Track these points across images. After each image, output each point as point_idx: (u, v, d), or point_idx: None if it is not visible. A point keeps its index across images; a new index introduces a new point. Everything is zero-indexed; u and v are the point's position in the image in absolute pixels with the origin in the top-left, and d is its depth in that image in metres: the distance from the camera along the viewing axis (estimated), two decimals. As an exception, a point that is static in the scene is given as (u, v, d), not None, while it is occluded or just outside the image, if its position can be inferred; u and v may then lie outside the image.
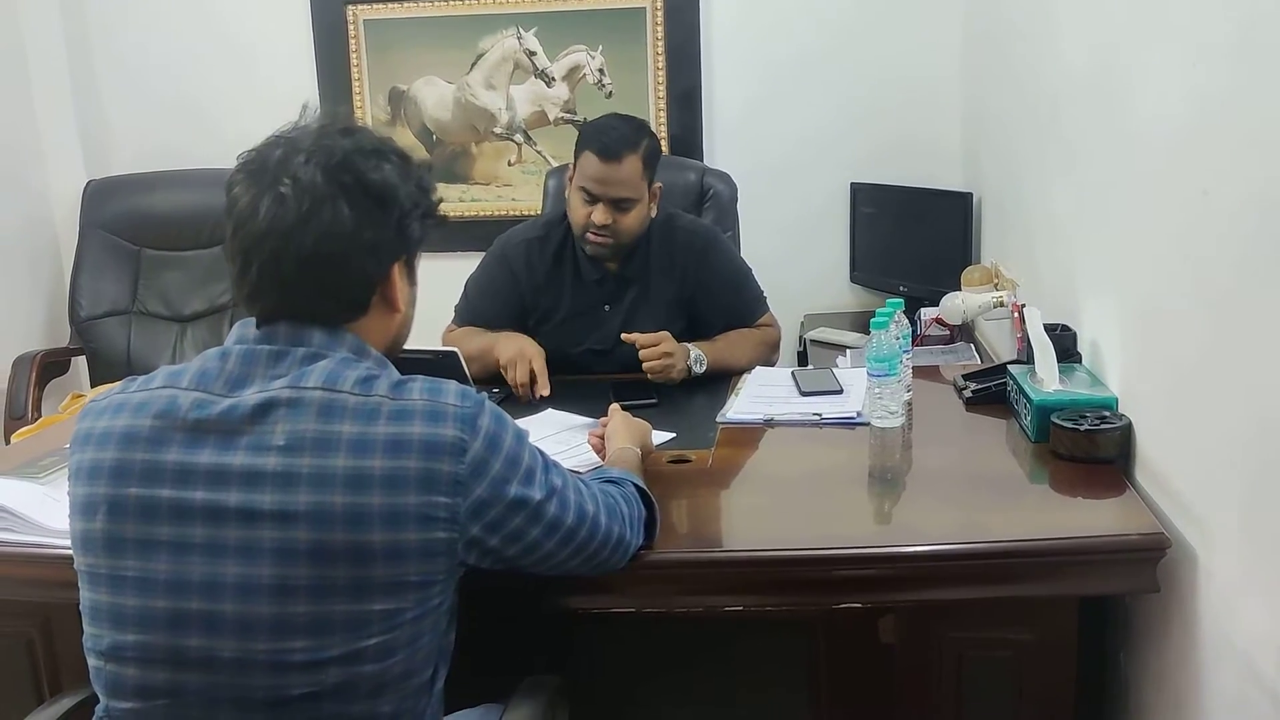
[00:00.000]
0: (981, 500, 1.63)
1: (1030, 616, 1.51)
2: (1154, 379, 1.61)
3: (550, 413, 2.06)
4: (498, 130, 3.55)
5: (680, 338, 2.26)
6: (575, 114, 3.50)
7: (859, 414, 1.95)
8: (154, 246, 3.42)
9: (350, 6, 3.49)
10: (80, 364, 3.48)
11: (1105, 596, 1.68)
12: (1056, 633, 1.51)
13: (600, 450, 1.71)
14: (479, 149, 3.59)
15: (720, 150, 3.47)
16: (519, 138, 3.56)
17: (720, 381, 2.23)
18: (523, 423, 1.34)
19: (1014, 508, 1.61)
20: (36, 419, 3.10)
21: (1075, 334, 1.97)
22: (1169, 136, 1.51)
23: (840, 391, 2.08)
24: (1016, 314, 2.13)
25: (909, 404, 1.96)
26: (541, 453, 1.29)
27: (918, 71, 3.38)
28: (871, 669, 1.56)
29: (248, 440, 1.16)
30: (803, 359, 3.17)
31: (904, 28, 3.37)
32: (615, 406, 1.78)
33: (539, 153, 3.55)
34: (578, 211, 2.28)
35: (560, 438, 1.89)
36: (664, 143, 3.27)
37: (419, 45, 3.51)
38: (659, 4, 3.40)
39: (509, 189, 3.60)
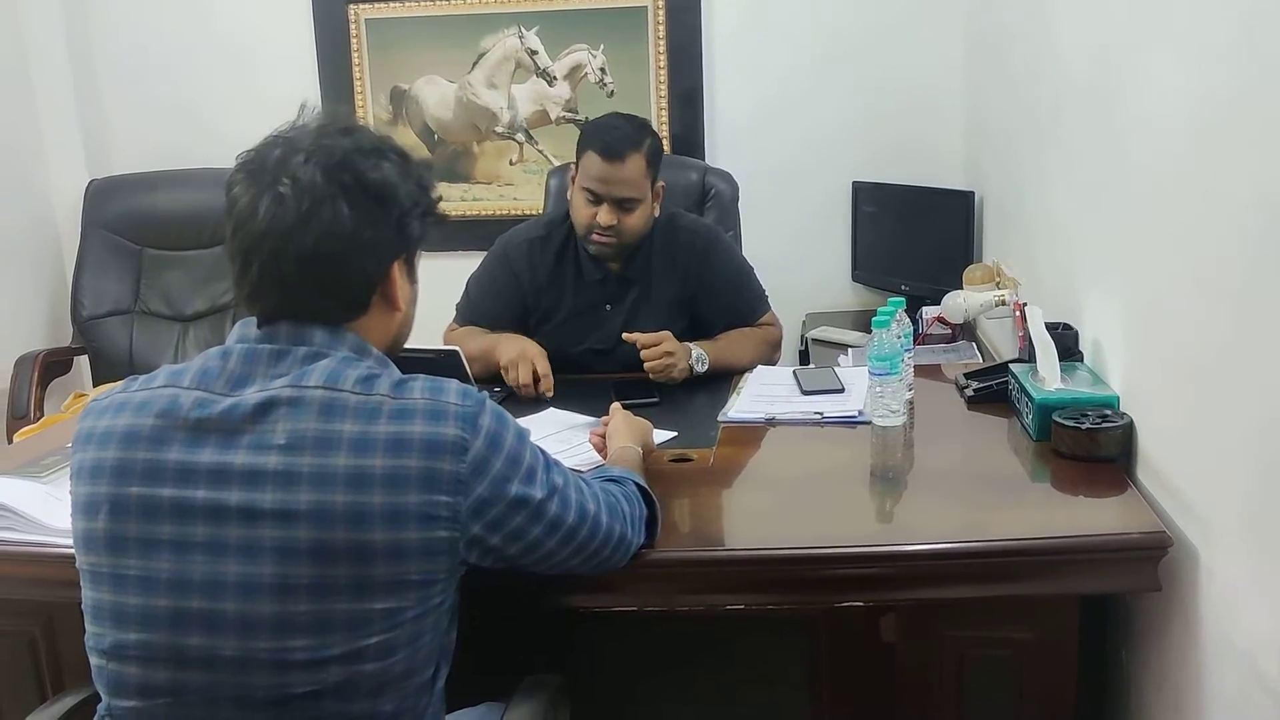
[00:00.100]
0: (983, 499, 1.63)
1: (1031, 615, 1.52)
2: (1156, 378, 1.61)
3: (551, 412, 2.06)
4: (499, 129, 3.56)
5: (682, 337, 2.26)
6: (577, 113, 3.50)
7: (860, 413, 1.95)
8: (156, 246, 3.42)
9: (352, 6, 3.49)
10: (82, 363, 3.49)
11: (1106, 595, 1.68)
12: (1057, 631, 1.51)
13: (601, 449, 1.71)
14: (480, 148, 3.59)
15: (722, 150, 3.47)
16: (520, 137, 3.56)
17: (721, 380, 2.23)
18: (524, 422, 1.34)
19: (1015, 506, 1.61)
20: (39, 418, 3.10)
21: (1077, 332, 1.97)
22: (1170, 135, 1.51)
23: (842, 390, 2.08)
24: (1018, 313, 2.13)
25: (910, 403, 1.96)
26: (543, 451, 1.29)
27: (919, 71, 3.37)
28: (872, 668, 1.56)
29: (249, 439, 1.16)
30: (804, 358, 3.17)
31: (905, 28, 3.36)
32: (616, 405, 1.78)
33: (540, 152, 3.55)
34: (581, 212, 2.28)
35: (561, 436, 1.89)
36: (665, 142, 3.28)
37: (420, 44, 3.52)
38: (660, 3, 3.39)
39: (510, 188, 3.60)
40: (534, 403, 2.13)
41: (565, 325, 2.37)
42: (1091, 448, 1.68)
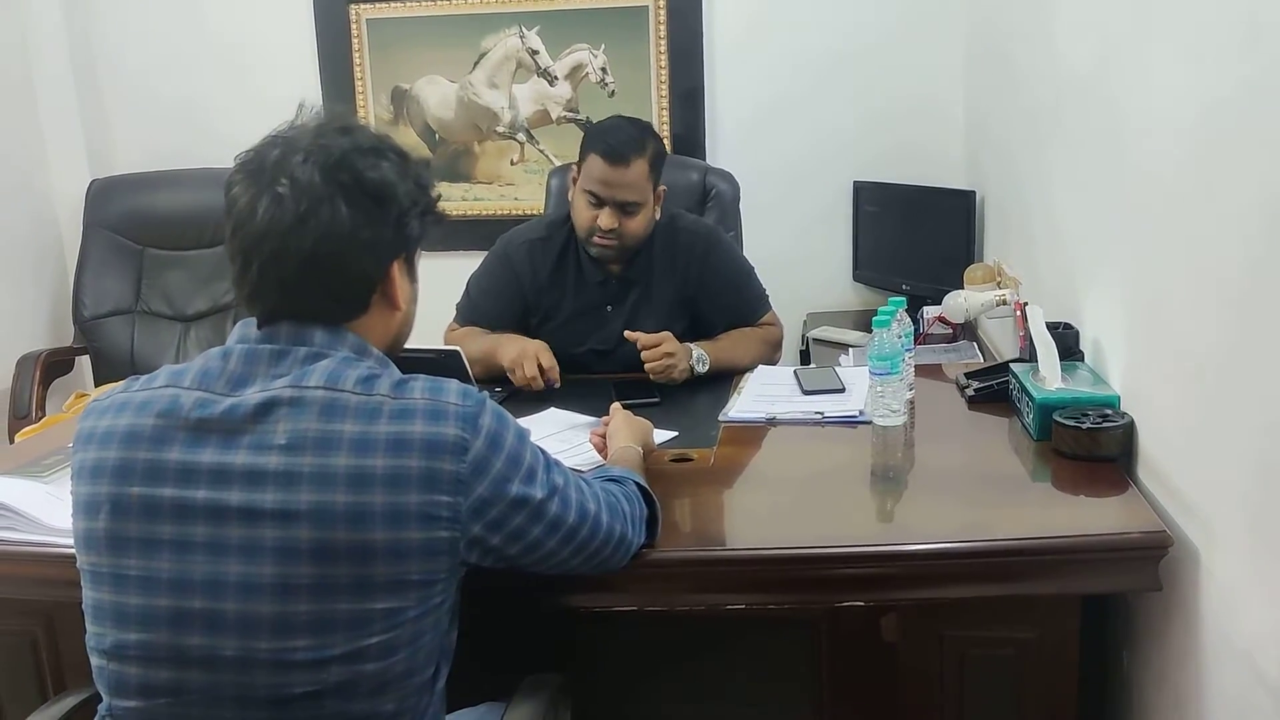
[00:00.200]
0: (984, 498, 1.63)
1: (1032, 615, 1.51)
2: (1157, 377, 1.61)
3: (552, 411, 2.06)
4: (500, 129, 3.56)
5: (683, 337, 2.26)
6: (578, 113, 3.50)
7: (861, 413, 1.95)
8: (157, 246, 3.42)
9: (353, 6, 3.50)
10: (84, 363, 3.49)
11: (1107, 595, 1.68)
12: (1058, 631, 1.51)
13: (602, 449, 1.71)
14: (481, 148, 3.59)
15: (723, 150, 3.47)
16: (521, 136, 3.56)
17: (722, 380, 2.23)
18: (524, 421, 1.34)
19: (1016, 506, 1.61)
20: (41, 418, 3.11)
21: (1078, 332, 1.97)
22: (1172, 134, 1.51)
23: (842, 390, 2.08)
24: (1019, 312, 2.13)
25: (911, 402, 1.96)
26: (543, 451, 1.29)
27: (920, 70, 3.37)
28: (874, 668, 1.56)
29: (250, 439, 1.16)
30: (805, 358, 3.17)
31: (907, 28, 3.36)
32: (617, 405, 1.79)
33: (541, 151, 3.55)
34: (583, 214, 2.28)
35: (562, 436, 1.89)
36: (666, 142, 3.27)
37: (421, 44, 3.52)
38: (661, 3, 3.39)
39: (511, 188, 3.60)
40: (538, 400, 2.13)
41: (566, 326, 2.37)
42: (1092, 447, 1.68)
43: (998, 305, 2.37)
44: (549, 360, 2.19)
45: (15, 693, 1.69)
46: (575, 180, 2.30)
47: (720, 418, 2.00)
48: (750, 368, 2.29)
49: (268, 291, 1.20)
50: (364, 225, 1.20)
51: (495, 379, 2.22)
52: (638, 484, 1.47)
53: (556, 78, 3.49)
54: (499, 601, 1.43)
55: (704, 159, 3.35)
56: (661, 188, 2.31)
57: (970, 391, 2.03)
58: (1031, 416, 1.81)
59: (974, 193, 3.11)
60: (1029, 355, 1.97)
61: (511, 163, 3.59)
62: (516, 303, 2.38)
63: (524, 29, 3.46)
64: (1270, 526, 1.23)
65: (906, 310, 2.01)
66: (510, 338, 2.28)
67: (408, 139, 3.50)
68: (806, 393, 2.09)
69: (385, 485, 1.14)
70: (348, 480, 1.14)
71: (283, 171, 1.18)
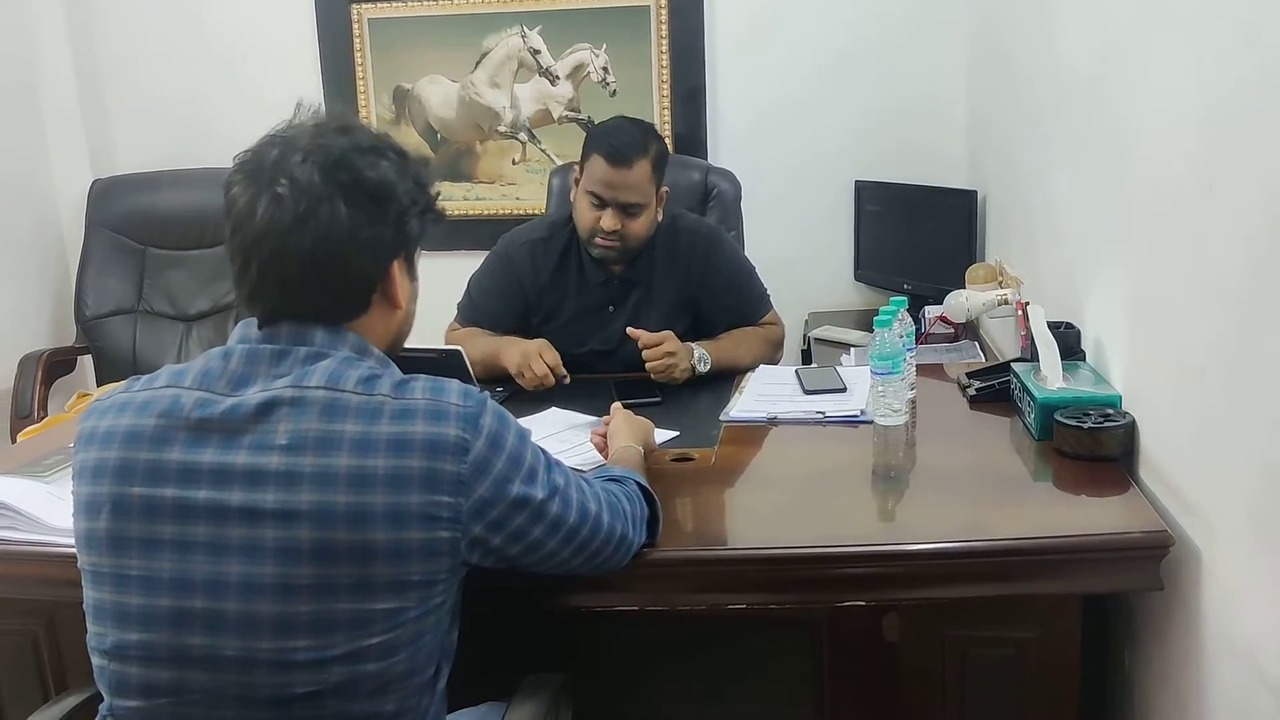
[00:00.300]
0: (985, 498, 1.63)
1: (1033, 614, 1.51)
2: (1158, 377, 1.61)
3: (553, 411, 2.06)
4: (502, 129, 3.56)
5: (684, 337, 2.26)
6: (580, 112, 3.50)
7: (862, 412, 1.95)
8: (159, 246, 3.43)
9: (354, 5, 3.50)
10: (86, 363, 3.50)
11: (1109, 594, 1.68)
12: (1060, 631, 1.51)
13: (603, 448, 1.71)
14: (483, 147, 3.59)
15: (724, 149, 3.47)
16: (523, 136, 3.56)
17: (723, 380, 2.23)
18: (525, 421, 1.34)
19: (1017, 506, 1.61)
20: (42, 418, 3.11)
21: (1079, 332, 1.97)
22: (1173, 134, 1.51)
23: (844, 390, 2.08)
24: (1020, 312, 2.13)
25: (912, 402, 1.96)
26: (544, 451, 1.29)
27: (922, 70, 3.37)
28: (875, 667, 1.56)
29: (251, 439, 1.16)
30: (807, 357, 3.17)
31: (909, 28, 3.36)
32: (618, 405, 1.78)
33: (543, 151, 3.55)
34: (585, 215, 2.27)
35: (563, 436, 1.89)
36: (668, 141, 3.28)
37: (423, 44, 3.52)
38: (663, 2, 3.39)
39: (513, 187, 3.60)
40: (539, 400, 2.13)
41: (568, 327, 2.37)
42: (1094, 447, 1.68)
43: (999, 305, 2.37)
44: (553, 356, 2.19)
45: (16, 692, 1.69)
46: (577, 181, 2.30)
47: (721, 417, 2.00)
48: (752, 367, 2.29)
49: (268, 291, 1.20)
50: (363, 224, 1.20)
51: (497, 380, 2.22)
52: (638, 484, 1.47)
53: (558, 77, 3.49)
54: (500, 601, 1.43)
55: (705, 158, 3.35)
56: (664, 189, 2.31)
57: (972, 391, 2.03)
58: (1033, 416, 1.80)
59: (975, 192, 3.11)
60: (1030, 355, 1.96)
61: (513, 162, 3.59)
62: (517, 303, 2.38)
63: (526, 28, 3.46)
64: (1272, 526, 1.23)
65: (908, 310, 2.00)
66: (511, 341, 2.28)
67: (409, 139, 3.51)
68: (808, 392, 2.09)
69: (386, 485, 1.14)
70: (349, 480, 1.14)
71: (282, 171, 1.18)
